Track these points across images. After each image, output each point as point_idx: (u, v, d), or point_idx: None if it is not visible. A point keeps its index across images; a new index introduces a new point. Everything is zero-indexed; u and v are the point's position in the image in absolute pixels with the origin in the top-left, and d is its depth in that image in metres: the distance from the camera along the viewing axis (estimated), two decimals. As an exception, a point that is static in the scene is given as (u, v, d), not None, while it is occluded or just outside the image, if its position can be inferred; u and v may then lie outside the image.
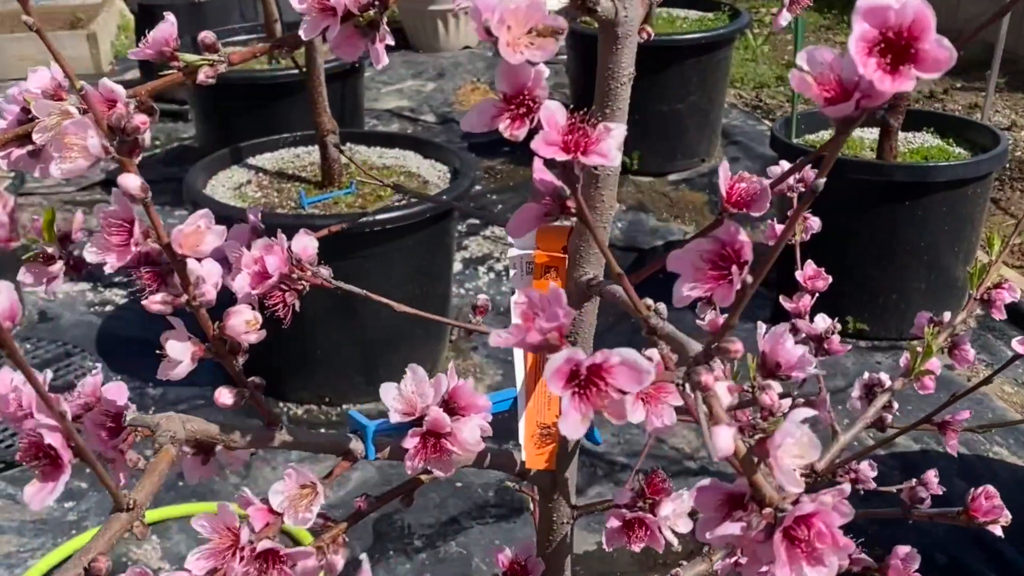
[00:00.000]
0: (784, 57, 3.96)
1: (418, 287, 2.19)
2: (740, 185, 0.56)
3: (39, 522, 1.89)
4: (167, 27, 0.55)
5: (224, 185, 2.26)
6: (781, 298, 1.04)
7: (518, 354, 0.66)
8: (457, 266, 2.72)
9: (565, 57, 3.47)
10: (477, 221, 2.93)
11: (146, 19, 3.63)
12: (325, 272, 0.64)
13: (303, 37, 0.55)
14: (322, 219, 2.05)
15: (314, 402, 2.22)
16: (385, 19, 0.57)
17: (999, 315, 1.01)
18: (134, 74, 3.92)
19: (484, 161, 3.31)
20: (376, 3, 0.55)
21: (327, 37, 0.55)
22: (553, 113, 0.43)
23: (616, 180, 0.62)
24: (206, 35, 0.55)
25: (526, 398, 0.67)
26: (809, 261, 1.06)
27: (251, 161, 2.38)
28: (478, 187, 3.14)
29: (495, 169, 3.30)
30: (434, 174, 2.32)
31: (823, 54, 0.38)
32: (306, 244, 0.64)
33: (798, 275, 1.03)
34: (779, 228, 1.03)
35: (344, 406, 2.20)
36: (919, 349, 1.00)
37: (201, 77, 0.55)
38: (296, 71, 2.27)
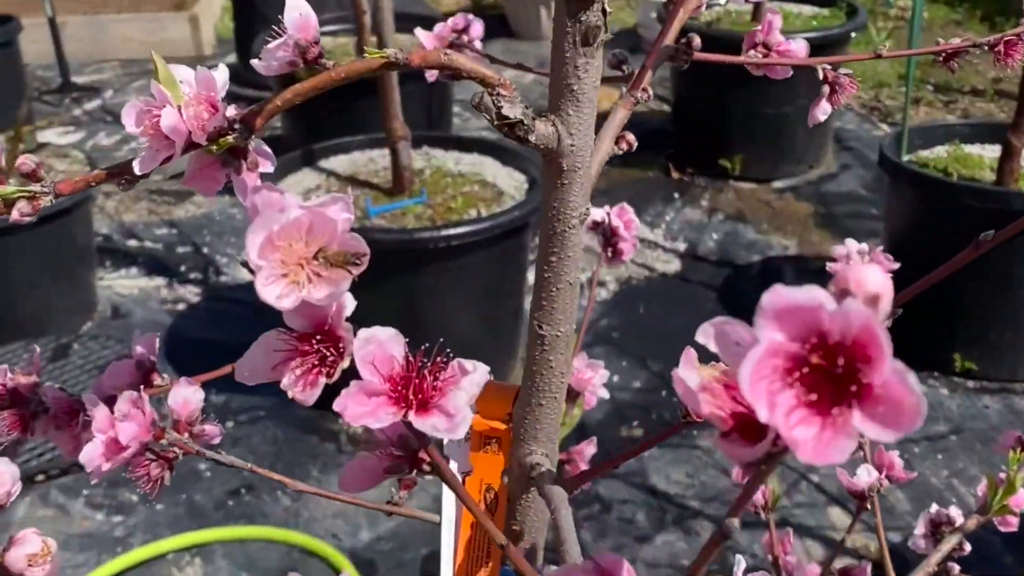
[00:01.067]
0: (907, 55, 3.66)
1: (489, 304, 2.08)
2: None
3: (85, 536, 1.85)
4: (-19, 150, 0.43)
5: (293, 190, 2.17)
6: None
7: (446, 546, 0.52)
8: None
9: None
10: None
11: (244, 2, 3.58)
12: (212, 429, 0.52)
13: (137, 172, 0.42)
14: (385, 233, 1.95)
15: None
16: (252, 145, 0.44)
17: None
18: (232, 58, 3.89)
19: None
20: (236, 126, 0.42)
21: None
22: (382, 347, 0.30)
23: (570, 341, 0.48)
24: (25, 161, 0.43)
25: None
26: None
27: (324, 164, 2.29)
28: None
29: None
30: (511, 184, 2.19)
31: (736, 331, 0.23)
32: (187, 398, 0.51)
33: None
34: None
35: (402, 494, 2.10)
36: (1000, 477, 0.82)
37: (15, 215, 0.43)
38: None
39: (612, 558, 0.27)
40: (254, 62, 0.42)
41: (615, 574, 0.27)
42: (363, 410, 0.29)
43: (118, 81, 3.89)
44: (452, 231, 1.90)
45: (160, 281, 2.61)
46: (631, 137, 0.52)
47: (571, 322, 0.47)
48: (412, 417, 0.29)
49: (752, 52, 0.58)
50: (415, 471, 0.34)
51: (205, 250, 2.74)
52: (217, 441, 0.53)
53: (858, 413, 0.20)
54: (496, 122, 0.42)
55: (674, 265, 2.64)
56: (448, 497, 0.51)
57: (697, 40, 0.56)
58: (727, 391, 0.23)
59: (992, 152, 2.24)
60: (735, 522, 0.26)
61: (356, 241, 0.28)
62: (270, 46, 0.42)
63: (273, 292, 0.27)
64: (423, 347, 0.30)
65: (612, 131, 0.51)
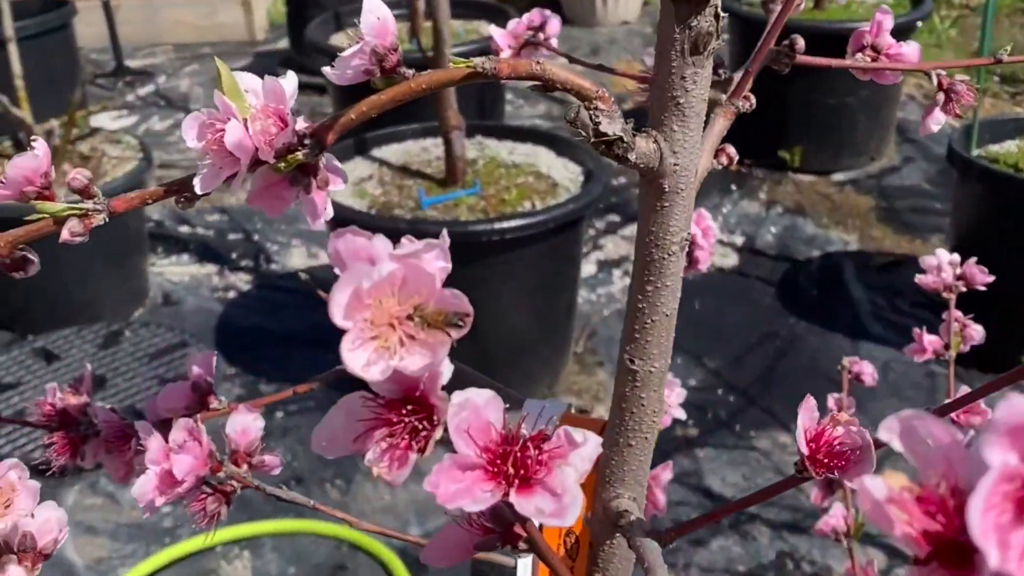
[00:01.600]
0: (973, 44, 3.56)
1: (542, 298, 2.04)
2: (831, 434, 0.37)
3: (134, 526, 1.84)
4: (29, 162, 0.40)
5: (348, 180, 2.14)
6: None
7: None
8: (590, 268, 2.54)
9: (726, 38, 3.21)
10: (616, 219, 2.73)
11: (297, -13, 3.55)
12: (272, 460, 0.48)
13: (198, 191, 0.38)
14: (438, 225, 1.92)
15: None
16: (323, 161, 0.40)
17: None
18: (284, 43, 3.87)
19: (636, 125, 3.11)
20: (307, 141, 0.38)
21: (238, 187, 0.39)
22: (478, 413, 0.26)
23: (663, 377, 0.44)
24: (76, 176, 0.39)
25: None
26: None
27: (376, 153, 2.25)
28: (622, 179, 2.94)
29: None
30: (565, 175, 2.14)
31: (929, 428, 0.19)
32: (247, 427, 0.47)
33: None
34: (928, 339, 0.81)
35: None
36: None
37: (65, 235, 0.39)
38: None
39: None
40: (326, 70, 0.38)
41: None
42: (457, 488, 0.25)
43: (171, 65, 3.89)
44: (506, 224, 1.86)
45: (211, 268, 2.59)
46: (731, 150, 0.48)
47: (666, 357, 0.43)
48: (513, 497, 0.25)
49: (859, 56, 0.53)
50: (509, 546, 0.30)
51: (256, 237, 2.72)
52: (277, 472, 0.50)
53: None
54: (592, 139, 0.37)
55: (731, 259, 2.58)
56: (524, 566, 0.47)
57: (801, 42, 0.51)
58: (921, 504, 0.18)
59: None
60: None
61: (457, 299, 0.24)
62: (345, 53, 0.38)
63: (359, 359, 0.23)
64: (523, 416, 0.26)
65: (711, 143, 0.46)
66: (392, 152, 2.26)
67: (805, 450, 0.37)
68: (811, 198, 2.85)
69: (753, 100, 0.48)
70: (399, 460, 0.25)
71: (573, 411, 0.52)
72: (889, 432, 0.19)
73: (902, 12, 2.85)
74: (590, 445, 0.26)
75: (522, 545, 0.29)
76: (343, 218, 1.90)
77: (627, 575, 0.48)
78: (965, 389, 0.82)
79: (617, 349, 0.48)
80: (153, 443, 0.45)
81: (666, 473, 0.66)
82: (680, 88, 0.38)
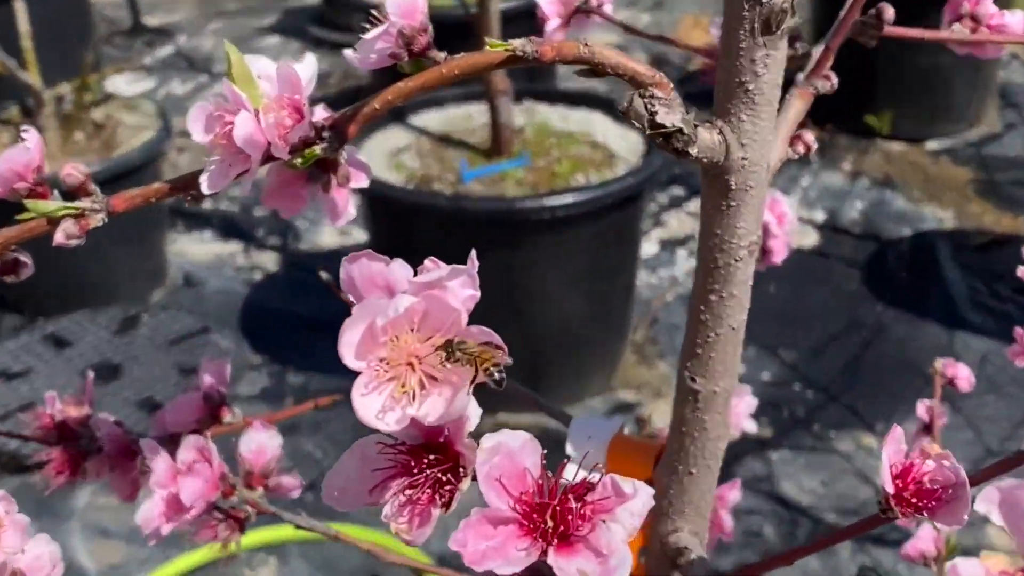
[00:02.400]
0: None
1: (597, 282, 2.03)
2: (920, 468, 0.36)
3: (151, 529, 1.86)
4: (20, 155, 0.39)
5: (379, 150, 2.14)
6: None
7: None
8: (651, 248, 2.52)
9: (804, 7, 3.16)
10: (681, 192, 2.71)
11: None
12: (290, 482, 0.48)
13: (205, 192, 0.38)
14: (480, 202, 1.91)
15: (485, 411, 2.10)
16: (344, 156, 0.39)
17: None
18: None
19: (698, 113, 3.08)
20: (325, 134, 0.37)
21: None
22: (511, 458, 0.25)
23: (729, 398, 0.43)
24: (71, 172, 0.39)
25: None
26: None
27: (414, 120, 2.25)
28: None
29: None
30: (624, 145, 2.12)
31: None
32: (262, 445, 0.47)
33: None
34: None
35: (499, 415, 2.07)
36: None
37: (60, 238, 0.39)
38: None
39: None
40: (347, 53, 0.38)
41: None
42: (488, 546, 0.24)
43: (193, 23, 3.92)
44: (557, 200, 1.85)
45: (235, 247, 2.61)
46: (809, 138, 0.46)
47: (732, 375, 0.42)
48: (552, 557, 0.24)
49: (957, 26, 0.51)
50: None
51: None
52: (296, 495, 0.50)
53: None
54: (648, 131, 0.36)
55: (811, 238, 2.55)
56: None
57: (890, 12, 0.49)
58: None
59: None
60: None
61: (485, 334, 0.23)
62: (368, 35, 0.37)
63: (372, 406, 0.22)
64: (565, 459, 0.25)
65: (785, 131, 0.45)
66: (432, 119, 2.25)
67: (890, 487, 0.35)
68: (901, 169, 2.81)
69: (835, 80, 0.47)
70: (420, 516, 0.24)
71: (627, 429, 0.50)
72: (988, 504, 0.18)
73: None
74: (640, 498, 0.25)
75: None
76: (378, 193, 1.91)
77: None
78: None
79: (681, 338, 0.47)
80: (159, 464, 0.44)
81: (733, 493, 0.65)
82: (750, 72, 0.37)
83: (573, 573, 0.24)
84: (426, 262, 0.25)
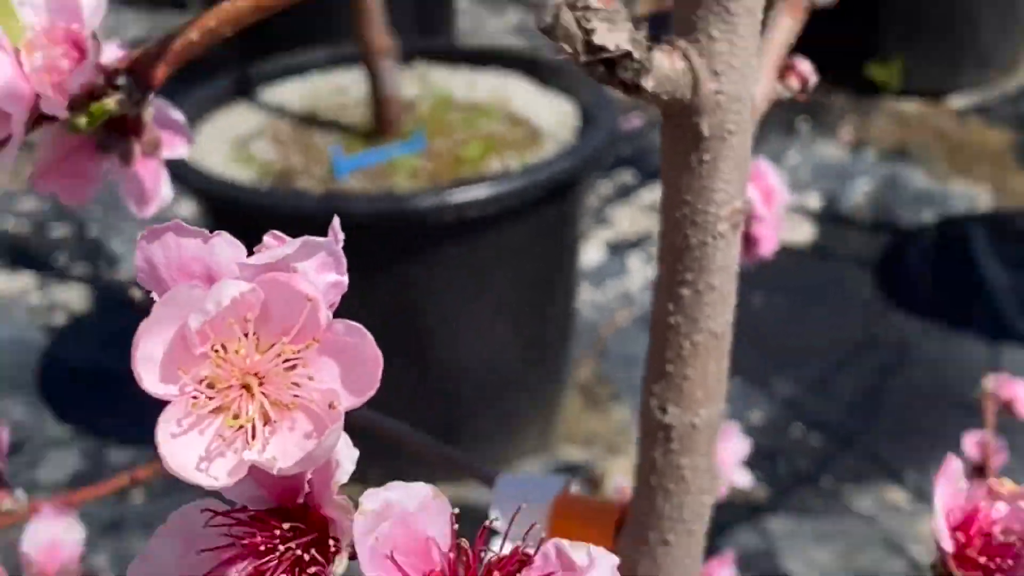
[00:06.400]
0: None
1: (524, 304, 2.04)
2: (987, 515, 0.35)
3: None
4: None
5: (221, 137, 2.13)
6: None
7: None
8: (595, 254, 2.55)
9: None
10: (631, 179, 2.74)
11: None
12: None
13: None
14: (361, 203, 1.91)
15: (374, 482, 2.10)
16: (150, 112, 0.37)
17: None
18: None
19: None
20: (119, 82, 0.35)
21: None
22: (406, 524, 0.23)
23: (715, 433, 0.42)
24: None
25: None
26: None
27: (269, 94, 2.25)
28: (636, 122, 2.95)
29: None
30: (552, 118, 2.15)
31: None
32: (54, 540, 0.45)
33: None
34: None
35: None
36: None
37: None
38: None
39: None
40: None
41: None
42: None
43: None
44: (466, 195, 1.85)
45: (28, 280, 2.59)
46: (805, 68, 0.46)
47: (717, 402, 0.41)
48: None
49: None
50: None
51: (93, 230, 2.71)
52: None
53: None
54: (583, 59, 0.35)
55: (805, 231, 2.59)
56: None
57: None
58: None
59: None
60: None
61: (357, 337, 0.21)
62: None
63: (190, 452, 0.20)
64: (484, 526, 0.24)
65: (773, 59, 0.44)
66: (292, 92, 2.26)
67: (949, 544, 0.34)
68: (920, 134, 2.87)
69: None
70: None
71: (574, 488, 0.50)
72: None
73: None
74: (599, 570, 0.23)
75: None
76: (221, 196, 1.89)
77: None
78: None
79: (639, 373, 0.46)
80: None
81: (723, 572, 0.65)
82: (720, -27, 0.36)
83: None
84: (265, 237, 0.24)
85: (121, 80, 0.36)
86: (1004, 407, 0.88)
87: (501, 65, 2.29)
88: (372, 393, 0.23)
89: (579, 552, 0.24)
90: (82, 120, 0.35)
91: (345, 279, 0.23)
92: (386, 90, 2.09)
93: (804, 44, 2.19)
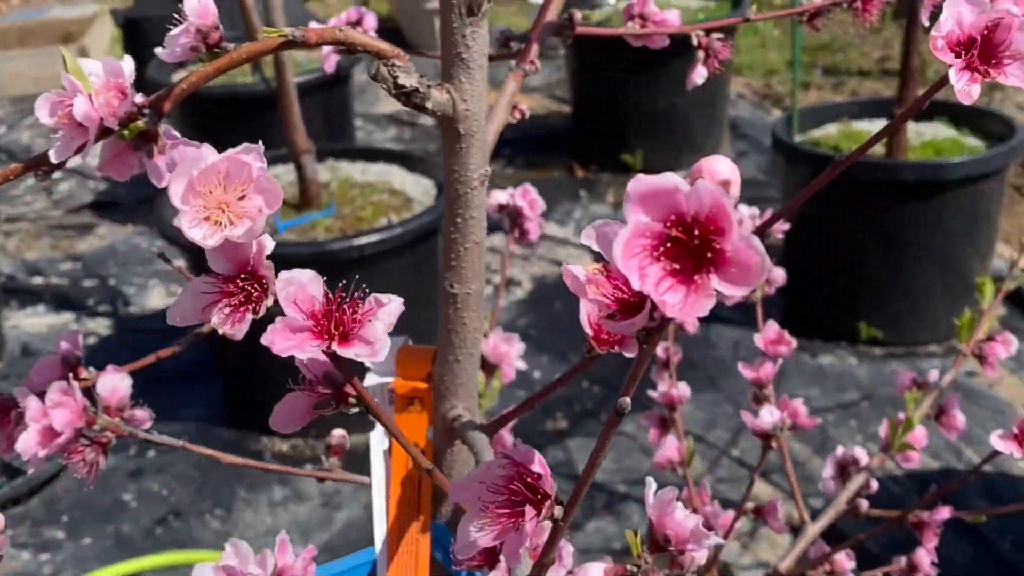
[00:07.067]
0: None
1: (406, 317, 2.09)
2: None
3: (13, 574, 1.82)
4: None
5: (199, 212, 2.16)
6: (740, 366, 0.92)
7: (378, 506, 0.55)
8: (452, 281, 2.61)
9: (563, 52, 3.35)
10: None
11: (133, 32, 3.55)
12: (142, 414, 0.54)
13: (54, 160, 0.44)
14: (296, 247, 1.96)
15: (298, 435, 2.13)
16: (162, 129, 0.46)
17: (992, 372, 0.89)
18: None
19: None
20: (146, 111, 0.44)
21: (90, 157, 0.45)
22: (303, 288, 0.33)
23: (480, 298, 0.52)
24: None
25: (387, 563, 0.56)
26: (770, 322, 0.93)
27: (229, 184, 2.28)
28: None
29: (494, 174, 3.18)
30: (419, 190, 2.21)
31: (613, 230, 0.27)
32: (115, 385, 0.53)
33: (757, 339, 0.92)
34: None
35: (331, 461, 2.11)
36: (900, 417, 0.88)
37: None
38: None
39: (525, 450, 0.31)
40: (157, 51, 0.45)
41: (529, 463, 0.30)
42: (289, 343, 0.32)
43: (10, 118, 3.82)
44: (364, 240, 1.92)
45: (68, 317, 2.57)
46: (523, 107, 0.56)
47: (480, 280, 0.51)
48: (335, 347, 0.32)
49: (630, 24, 0.62)
50: (342, 405, 0.36)
51: (112, 282, 2.71)
52: (148, 425, 0.55)
53: (715, 276, 0.23)
54: (393, 91, 0.45)
55: (586, 261, 2.68)
56: (377, 458, 0.54)
57: (579, 15, 0.60)
58: (609, 280, 0.26)
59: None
60: (627, 400, 0.29)
61: (271, 183, 0.30)
62: (172, 33, 0.44)
63: (198, 233, 0.29)
64: (340, 284, 0.33)
65: (506, 100, 0.54)
66: (245, 182, 2.29)
67: (590, 332, 0.44)
68: (657, 197, 2.99)
69: (538, 64, 0.56)
70: (239, 319, 0.32)
71: (409, 343, 0.57)
72: (588, 238, 0.27)
73: (723, 15, 3.03)
74: (395, 303, 0.33)
75: (352, 401, 0.36)
76: (197, 247, 1.93)
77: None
78: (773, 326, 0.93)
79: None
80: (32, 403, 0.50)
81: (506, 436, 0.73)
82: (463, 45, 0.46)
83: (352, 356, 0.32)
84: (229, 150, 0.33)
85: (146, 110, 0.44)
86: (679, 329, 0.98)
87: (384, 159, 2.34)
88: (278, 205, 0.31)
89: (385, 298, 0.34)
90: (125, 133, 0.43)
91: (265, 164, 0.32)
92: (308, 176, 2.13)
93: (582, 144, 2.34)
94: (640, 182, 0.24)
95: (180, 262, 2.46)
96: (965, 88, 0.32)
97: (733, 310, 2.45)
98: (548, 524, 0.32)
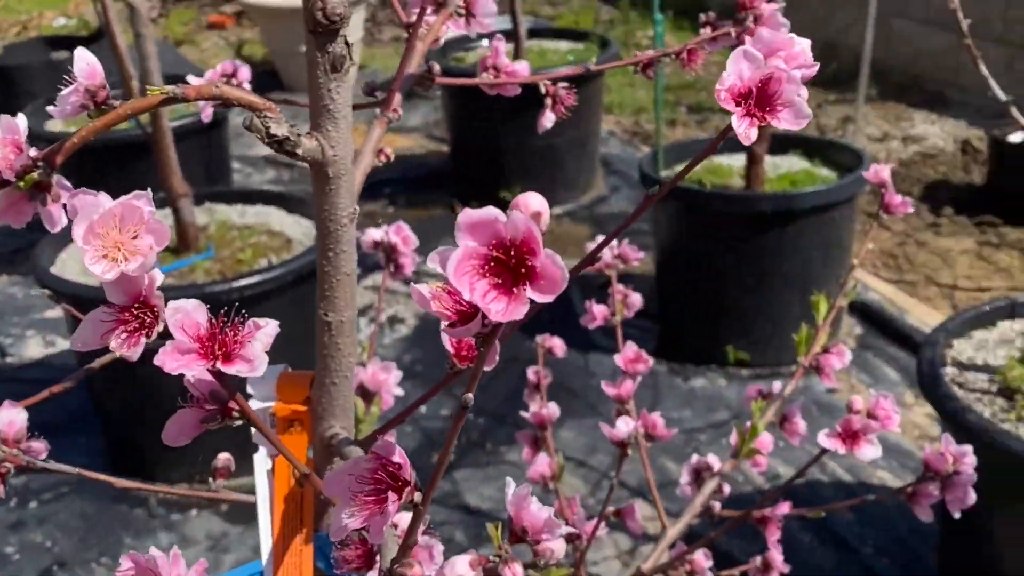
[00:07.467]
0: (660, 81, 3.95)
1: (290, 352, 2.10)
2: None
3: None
4: None
5: (76, 258, 2.15)
6: (603, 384, 0.99)
7: (263, 522, 0.59)
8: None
9: (440, 93, 3.43)
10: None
11: (6, 80, 3.48)
12: (38, 446, 0.57)
13: (-50, 210, 0.48)
14: (176, 291, 1.97)
15: (185, 481, 2.12)
16: (55, 180, 0.50)
17: (829, 382, 0.98)
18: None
19: (365, 205, 3.24)
20: (40, 164, 0.48)
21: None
22: (188, 315, 0.38)
23: (353, 326, 0.57)
24: None
25: (273, 573, 0.61)
26: (629, 343, 1.01)
27: (105, 230, 2.27)
28: (357, 234, 3.06)
29: (376, 213, 3.24)
30: (299, 231, 2.25)
31: (449, 254, 0.33)
32: (12, 418, 0.57)
33: (617, 359, 0.99)
34: (597, 308, 0.98)
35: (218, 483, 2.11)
36: (747, 425, 0.96)
37: None
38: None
39: (386, 444, 0.36)
40: (49, 108, 0.49)
41: (390, 455, 0.36)
42: (178, 363, 0.36)
43: None
44: (244, 281, 1.94)
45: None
46: (388, 151, 0.61)
47: (353, 308, 0.56)
48: (220, 365, 0.37)
49: (485, 75, 0.69)
50: (226, 419, 0.41)
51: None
52: (44, 456, 0.59)
53: (529, 287, 0.30)
54: (267, 140, 0.50)
55: (466, 295, 2.74)
56: (261, 477, 0.59)
57: (437, 67, 0.66)
58: (450, 295, 0.32)
59: (740, 161, 2.47)
60: (470, 396, 0.35)
61: (159, 224, 0.35)
62: (63, 92, 0.48)
63: (99, 268, 0.34)
64: (223, 310, 0.38)
65: (372, 145, 0.60)
66: (122, 228, 2.28)
67: (451, 350, 0.50)
68: (534, 232, 3.07)
69: (401, 112, 0.62)
70: (134, 343, 0.36)
71: (288, 369, 0.62)
72: (432, 261, 0.33)
73: (591, 57, 3.16)
74: (271, 326, 0.38)
75: (235, 415, 0.41)
76: (75, 294, 1.91)
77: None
78: (632, 347, 1.00)
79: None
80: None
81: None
82: (329, 98, 0.51)
83: (234, 372, 0.37)
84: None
85: (40, 163, 0.48)
86: (548, 352, 1.04)
87: (263, 201, 2.37)
88: (166, 243, 0.36)
89: (263, 321, 0.39)
90: (21, 184, 0.47)
91: (153, 209, 0.37)
92: (185, 220, 2.14)
93: (462, 182, 2.40)
94: (468, 214, 0.30)
95: (57, 311, 2.42)
96: (745, 131, 0.39)
97: (611, 339, 2.53)
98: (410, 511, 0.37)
